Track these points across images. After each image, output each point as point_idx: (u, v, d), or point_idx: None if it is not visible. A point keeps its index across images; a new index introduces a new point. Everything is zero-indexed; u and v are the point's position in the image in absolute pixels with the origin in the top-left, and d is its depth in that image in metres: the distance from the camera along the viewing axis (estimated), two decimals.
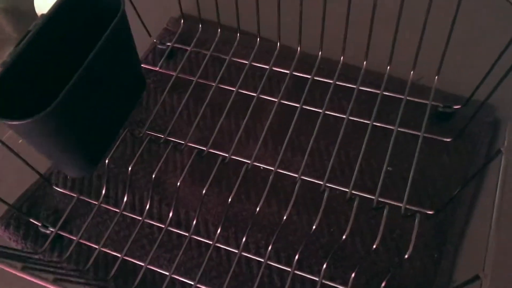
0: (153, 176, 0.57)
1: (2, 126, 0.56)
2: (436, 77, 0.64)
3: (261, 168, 0.65)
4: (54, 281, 0.40)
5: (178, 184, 0.56)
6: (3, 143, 0.57)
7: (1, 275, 0.59)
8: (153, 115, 0.67)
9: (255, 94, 0.67)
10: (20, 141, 0.70)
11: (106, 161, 0.59)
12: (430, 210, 0.57)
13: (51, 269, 0.47)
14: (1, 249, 0.50)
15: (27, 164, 0.60)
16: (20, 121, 0.48)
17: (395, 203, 0.56)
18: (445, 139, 0.62)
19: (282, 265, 0.57)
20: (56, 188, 0.66)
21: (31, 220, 0.63)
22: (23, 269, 0.41)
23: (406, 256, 0.47)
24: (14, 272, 0.41)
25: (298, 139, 0.67)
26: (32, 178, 0.68)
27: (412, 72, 0.65)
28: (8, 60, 0.52)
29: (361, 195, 0.57)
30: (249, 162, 0.60)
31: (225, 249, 0.59)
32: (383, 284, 0.52)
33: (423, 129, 0.61)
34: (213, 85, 0.69)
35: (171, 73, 0.73)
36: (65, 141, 0.54)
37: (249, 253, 0.58)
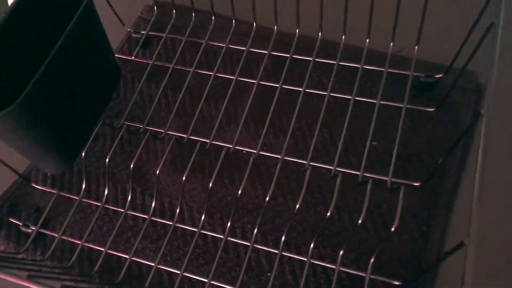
0: (131, 165, 0.56)
1: None
2: (416, 47, 0.62)
3: (244, 152, 0.64)
4: (28, 278, 0.39)
5: (157, 171, 0.54)
6: None
7: None
8: (130, 105, 0.66)
9: (233, 77, 0.66)
10: None
11: (83, 154, 0.57)
12: (417, 182, 0.55)
13: (30, 267, 0.45)
14: None
15: (4, 163, 0.59)
16: None
17: (381, 177, 0.55)
18: (428, 109, 0.61)
19: (269, 248, 0.56)
20: (36, 186, 0.64)
21: (11, 220, 0.61)
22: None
23: (392, 229, 0.46)
24: None
25: (280, 120, 0.66)
26: (12, 177, 0.66)
27: (391, 44, 0.64)
28: None
29: (346, 172, 0.56)
30: (230, 146, 0.59)
31: (211, 235, 0.58)
32: (372, 260, 0.51)
33: (406, 100, 0.59)
34: (190, 70, 0.67)
35: (147, 62, 0.71)
36: (37, 136, 0.53)
37: (235, 238, 0.57)
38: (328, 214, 0.48)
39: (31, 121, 0.50)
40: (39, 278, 0.41)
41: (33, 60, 0.54)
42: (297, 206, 0.49)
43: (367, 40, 0.65)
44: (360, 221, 0.47)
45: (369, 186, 0.49)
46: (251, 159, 0.55)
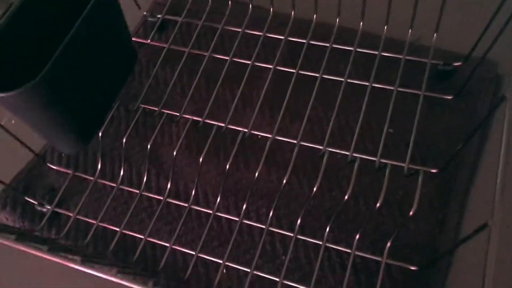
0: (148, 146, 0.56)
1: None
2: (435, 35, 0.62)
3: (259, 136, 0.64)
4: (49, 251, 0.39)
5: (174, 153, 0.54)
6: None
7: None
8: (145, 88, 0.66)
9: (249, 62, 0.65)
10: (13, 121, 0.69)
11: (100, 134, 0.57)
12: (434, 169, 0.55)
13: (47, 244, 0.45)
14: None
15: (21, 142, 0.59)
16: (6, 93, 0.46)
17: (398, 163, 0.55)
18: (446, 97, 0.61)
19: (284, 231, 0.56)
20: (51, 166, 0.64)
21: (27, 199, 0.61)
22: (17, 240, 0.40)
23: (410, 213, 0.46)
24: (9, 244, 0.40)
25: (296, 105, 0.65)
26: (27, 158, 0.67)
27: (410, 31, 0.63)
28: None
29: (362, 157, 0.56)
30: (246, 130, 0.59)
31: (226, 218, 0.58)
32: (388, 244, 0.51)
33: (424, 88, 0.59)
34: (206, 55, 0.67)
35: (162, 45, 0.71)
36: (54, 115, 0.53)
37: (250, 220, 0.57)
38: (346, 197, 0.48)
39: (49, 99, 0.50)
40: (59, 252, 0.41)
41: (52, 41, 0.54)
42: (315, 189, 0.49)
43: (385, 27, 0.64)
44: (378, 205, 0.47)
45: (387, 171, 0.49)
46: (268, 143, 0.55)
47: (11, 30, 0.52)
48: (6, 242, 0.40)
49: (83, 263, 0.39)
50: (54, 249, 0.40)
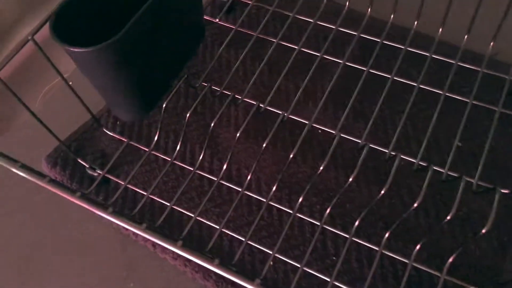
0: (212, 125, 0.54)
1: (61, 65, 0.54)
2: None
3: (319, 131, 0.62)
4: (112, 213, 0.38)
5: (238, 134, 0.53)
6: (63, 78, 0.54)
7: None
8: (210, 67, 0.64)
9: (318, 54, 0.63)
10: (71, 82, 0.69)
11: (164, 105, 0.56)
12: (505, 189, 0.52)
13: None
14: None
15: (81, 101, 0.58)
16: (85, 49, 0.46)
17: (467, 178, 0.52)
18: None
19: (338, 231, 0.54)
20: (106, 131, 0.64)
21: (79, 160, 0.61)
22: (81, 198, 0.39)
23: (483, 231, 0.43)
24: (73, 200, 0.39)
25: (361, 104, 0.63)
26: (80, 121, 0.66)
27: (491, 44, 0.60)
28: None
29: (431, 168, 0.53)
30: (307, 122, 0.57)
31: (278, 209, 0.56)
32: (450, 260, 0.48)
33: (501, 104, 0.56)
34: (273, 41, 0.66)
35: (230, 27, 0.70)
36: (123, 77, 0.52)
37: (304, 215, 0.55)
38: (416, 205, 0.46)
39: (120, 60, 0.49)
40: (122, 217, 0.40)
41: (131, 8, 0.53)
42: (382, 192, 0.47)
43: (466, 37, 0.62)
44: (449, 217, 0.45)
45: (462, 184, 0.47)
46: (335, 140, 0.52)
47: None
48: (71, 198, 0.39)
49: (146, 229, 0.38)
50: (117, 213, 0.39)
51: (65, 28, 0.49)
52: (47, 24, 0.48)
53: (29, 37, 0.50)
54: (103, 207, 0.39)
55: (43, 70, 0.73)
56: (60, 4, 0.49)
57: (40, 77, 0.73)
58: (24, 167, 0.41)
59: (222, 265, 0.36)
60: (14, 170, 0.41)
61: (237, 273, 0.36)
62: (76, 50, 0.46)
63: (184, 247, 0.37)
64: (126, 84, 0.53)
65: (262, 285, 0.34)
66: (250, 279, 0.35)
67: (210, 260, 0.36)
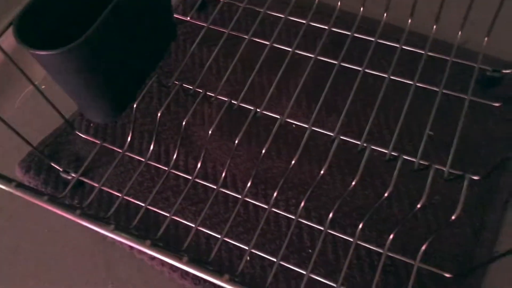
0: (183, 123, 0.54)
1: (33, 70, 0.54)
2: (486, 39, 0.60)
3: (293, 126, 0.62)
4: (80, 216, 0.38)
5: (210, 132, 0.53)
6: (33, 83, 0.54)
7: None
8: (182, 65, 0.64)
9: (290, 49, 0.64)
10: (43, 86, 0.68)
11: (134, 105, 0.56)
12: (475, 176, 0.53)
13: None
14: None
15: (53, 106, 0.58)
16: (50, 52, 0.45)
17: (437, 167, 0.53)
18: (494, 104, 0.59)
19: (314, 224, 0.54)
20: (79, 134, 0.63)
21: (52, 164, 0.60)
22: (49, 201, 0.39)
23: (453, 218, 0.44)
24: (40, 204, 0.39)
25: (334, 98, 0.64)
26: (54, 125, 0.66)
27: (459, 33, 0.61)
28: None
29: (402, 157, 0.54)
30: (279, 117, 0.57)
31: (254, 205, 0.57)
32: (423, 248, 0.49)
33: (470, 92, 0.57)
34: (245, 38, 0.66)
35: (202, 24, 0.70)
36: (91, 80, 0.51)
37: (279, 210, 0.55)
38: (386, 194, 0.46)
39: (89, 62, 0.49)
40: (90, 218, 0.39)
41: (96, 9, 0.53)
42: (353, 183, 0.47)
43: (434, 27, 0.62)
44: (419, 206, 0.45)
45: (431, 172, 0.47)
46: (307, 133, 0.53)
47: None
48: (38, 202, 0.39)
49: (115, 230, 0.38)
50: (85, 214, 0.39)
51: (31, 31, 0.48)
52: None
53: None
54: (71, 210, 0.39)
55: (13, 76, 0.72)
56: (23, 7, 0.49)
57: (10, 83, 0.72)
58: None
59: (191, 262, 0.36)
60: None
61: (206, 270, 0.36)
62: (41, 53, 0.46)
63: (152, 246, 0.37)
64: (96, 86, 0.53)
65: (230, 281, 0.35)
66: (219, 275, 0.35)
67: (178, 258, 0.36)
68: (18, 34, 0.47)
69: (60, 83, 0.52)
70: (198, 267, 0.36)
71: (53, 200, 0.39)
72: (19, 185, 0.40)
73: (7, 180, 0.41)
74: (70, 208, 0.39)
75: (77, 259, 0.57)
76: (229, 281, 0.35)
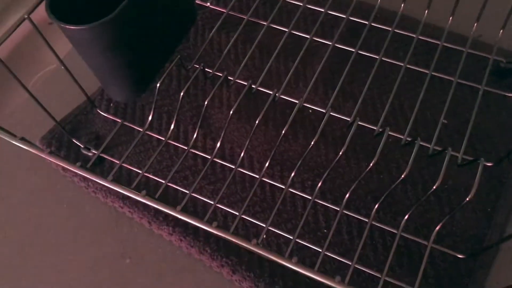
0: (205, 104, 0.55)
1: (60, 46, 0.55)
2: (501, 31, 0.61)
3: (310, 111, 0.63)
4: (112, 181, 0.39)
5: (231, 112, 0.54)
6: (58, 58, 0.55)
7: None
8: (201, 49, 0.65)
9: (308, 36, 0.65)
10: (62, 68, 0.69)
11: (157, 85, 0.57)
12: (489, 163, 0.55)
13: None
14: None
15: (76, 82, 0.59)
16: (80, 27, 0.47)
17: (452, 153, 0.54)
18: (508, 94, 0.60)
19: (329, 205, 0.55)
20: (100, 112, 0.64)
21: (74, 141, 0.61)
22: (81, 168, 0.40)
23: (467, 199, 0.45)
24: (74, 170, 0.40)
25: (350, 85, 0.65)
26: (71, 105, 0.67)
27: (475, 25, 0.62)
28: None
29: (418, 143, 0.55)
30: (297, 102, 0.59)
31: (270, 185, 0.58)
32: (436, 229, 0.50)
33: (484, 82, 0.58)
34: (264, 24, 0.67)
35: (221, 10, 0.71)
36: (117, 57, 0.53)
37: (296, 191, 0.57)
38: (403, 176, 0.47)
39: (116, 39, 0.50)
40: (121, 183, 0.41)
41: None
42: (371, 165, 0.48)
43: (450, 19, 0.64)
44: (434, 187, 0.46)
45: (447, 157, 0.49)
46: (325, 117, 0.54)
47: None
48: (71, 168, 0.40)
49: (146, 196, 0.39)
50: (116, 181, 0.40)
51: (61, 7, 0.49)
52: (43, 5, 0.49)
53: (25, 16, 0.50)
54: (103, 176, 0.40)
55: (37, 53, 0.74)
56: None
57: (34, 59, 0.73)
58: (25, 140, 0.41)
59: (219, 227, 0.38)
60: (15, 143, 0.41)
61: (234, 235, 0.37)
62: (71, 28, 0.47)
63: (183, 212, 0.38)
64: (120, 64, 0.54)
65: (258, 245, 0.36)
66: (248, 240, 0.36)
67: (209, 223, 0.38)
68: (51, 8, 0.48)
69: (86, 59, 0.54)
70: (226, 233, 0.37)
71: (85, 167, 0.40)
72: (52, 152, 0.41)
73: (40, 148, 0.42)
74: (101, 175, 0.40)
75: (94, 235, 0.59)
76: (257, 245, 0.36)
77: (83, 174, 0.40)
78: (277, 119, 0.63)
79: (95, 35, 0.49)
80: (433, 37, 0.64)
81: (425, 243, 0.51)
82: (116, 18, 0.48)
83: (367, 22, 0.65)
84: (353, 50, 0.63)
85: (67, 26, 0.47)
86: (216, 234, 0.37)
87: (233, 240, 0.37)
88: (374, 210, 0.53)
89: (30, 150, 0.41)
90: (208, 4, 0.72)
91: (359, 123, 0.58)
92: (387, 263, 0.49)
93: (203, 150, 0.61)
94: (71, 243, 0.58)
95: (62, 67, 0.57)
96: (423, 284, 0.51)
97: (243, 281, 0.53)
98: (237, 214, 0.54)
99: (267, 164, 0.56)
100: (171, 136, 0.62)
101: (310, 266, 0.52)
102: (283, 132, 0.52)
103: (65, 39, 0.51)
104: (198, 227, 0.54)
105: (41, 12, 0.50)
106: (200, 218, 0.55)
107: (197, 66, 0.64)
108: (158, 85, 0.58)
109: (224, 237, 0.37)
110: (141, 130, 0.61)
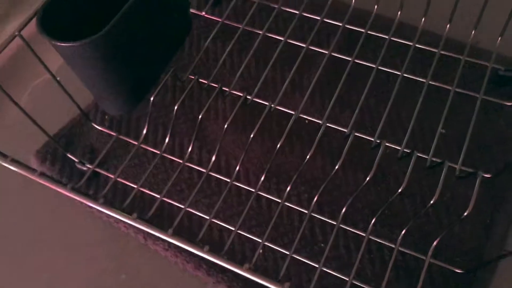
0: (199, 117, 0.55)
1: (52, 58, 0.55)
2: (499, 38, 0.60)
3: (306, 122, 0.63)
4: (102, 204, 0.39)
5: (226, 126, 0.53)
6: (51, 73, 0.55)
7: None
8: (196, 60, 0.65)
9: (304, 45, 0.64)
10: (59, 78, 0.69)
11: (151, 98, 0.56)
12: (487, 174, 0.54)
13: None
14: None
15: (69, 96, 0.58)
16: (72, 43, 0.46)
17: (449, 164, 0.53)
18: (507, 103, 0.59)
19: (326, 218, 0.55)
20: (95, 126, 0.64)
21: (68, 155, 0.61)
22: (72, 190, 0.39)
23: (465, 214, 0.45)
24: (64, 192, 0.39)
25: (347, 94, 0.64)
26: (64, 118, 0.66)
27: (473, 32, 0.62)
28: None
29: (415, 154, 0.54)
30: (294, 113, 0.58)
31: (267, 199, 0.57)
32: (434, 244, 0.49)
33: (482, 91, 0.58)
34: (260, 33, 0.66)
35: (217, 19, 0.70)
36: (110, 71, 0.52)
37: (292, 204, 0.56)
38: (400, 190, 0.47)
39: (108, 54, 0.50)
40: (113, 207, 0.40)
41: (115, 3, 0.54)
42: (368, 178, 0.48)
43: (448, 26, 0.63)
44: (432, 201, 0.46)
45: (445, 170, 0.48)
46: (321, 129, 0.53)
47: None
48: (61, 191, 0.39)
49: (137, 219, 0.39)
50: (108, 203, 0.40)
51: (52, 23, 0.49)
52: (34, 20, 0.48)
53: (16, 33, 0.50)
54: (94, 198, 0.40)
55: (29, 67, 0.73)
56: (46, 1, 0.49)
57: (26, 73, 0.73)
58: (15, 161, 0.41)
59: (212, 252, 0.37)
60: (5, 164, 0.41)
61: (226, 259, 0.36)
62: (63, 44, 0.47)
63: (174, 235, 0.38)
64: (113, 78, 0.54)
65: (251, 270, 0.35)
66: (239, 264, 0.36)
67: (200, 247, 0.37)
68: (42, 25, 0.47)
69: (79, 74, 0.53)
70: (219, 257, 0.37)
71: (76, 189, 0.40)
72: (42, 174, 0.41)
73: (31, 169, 0.41)
74: (92, 197, 0.40)
75: (90, 250, 0.58)
76: (250, 270, 0.35)
77: (74, 197, 0.40)
78: (273, 131, 0.63)
79: (86, 51, 0.48)
80: (431, 45, 0.64)
81: (423, 257, 0.50)
82: (108, 33, 0.47)
83: (363, 30, 0.64)
84: (350, 59, 0.62)
85: (58, 43, 0.46)
86: (208, 258, 0.37)
87: (225, 265, 0.36)
88: (371, 223, 0.52)
89: (21, 172, 0.41)
90: (203, 13, 0.72)
91: (356, 134, 0.58)
92: (385, 279, 0.49)
93: (199, 163, 0.61)
94: (67, 259, 0.58)
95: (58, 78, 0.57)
96: None
97: None
98: (233, 229, 0.53)
99: (263, 178, 0.55)
100: (166, 149, 0.62)
101: (307, 282, 0.52)
102: (278, 146, 0.52)
103: None
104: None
105: (34, 24, 0.49)
106: (195, 233, 0.55)
107: (192, 78, 0.64)
108: (152, 98, 0.58)
109: (216, 262, 0.37)
110: (136, 143, 0.60)
